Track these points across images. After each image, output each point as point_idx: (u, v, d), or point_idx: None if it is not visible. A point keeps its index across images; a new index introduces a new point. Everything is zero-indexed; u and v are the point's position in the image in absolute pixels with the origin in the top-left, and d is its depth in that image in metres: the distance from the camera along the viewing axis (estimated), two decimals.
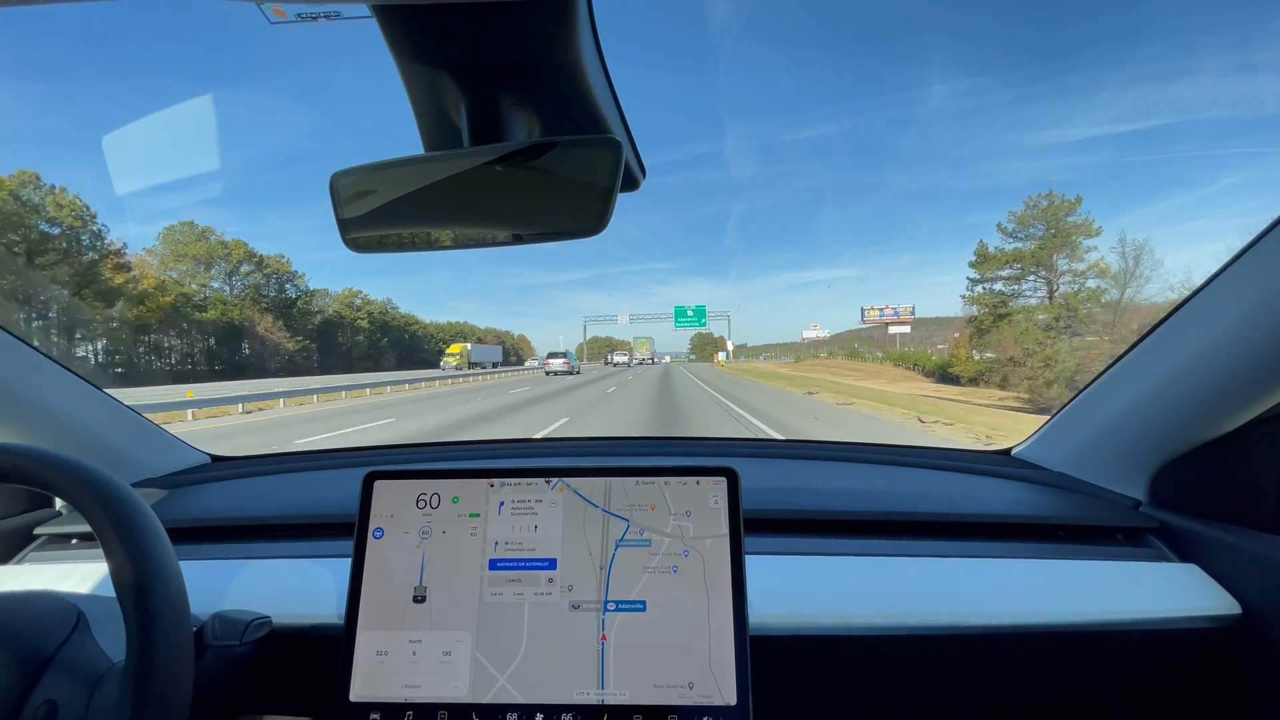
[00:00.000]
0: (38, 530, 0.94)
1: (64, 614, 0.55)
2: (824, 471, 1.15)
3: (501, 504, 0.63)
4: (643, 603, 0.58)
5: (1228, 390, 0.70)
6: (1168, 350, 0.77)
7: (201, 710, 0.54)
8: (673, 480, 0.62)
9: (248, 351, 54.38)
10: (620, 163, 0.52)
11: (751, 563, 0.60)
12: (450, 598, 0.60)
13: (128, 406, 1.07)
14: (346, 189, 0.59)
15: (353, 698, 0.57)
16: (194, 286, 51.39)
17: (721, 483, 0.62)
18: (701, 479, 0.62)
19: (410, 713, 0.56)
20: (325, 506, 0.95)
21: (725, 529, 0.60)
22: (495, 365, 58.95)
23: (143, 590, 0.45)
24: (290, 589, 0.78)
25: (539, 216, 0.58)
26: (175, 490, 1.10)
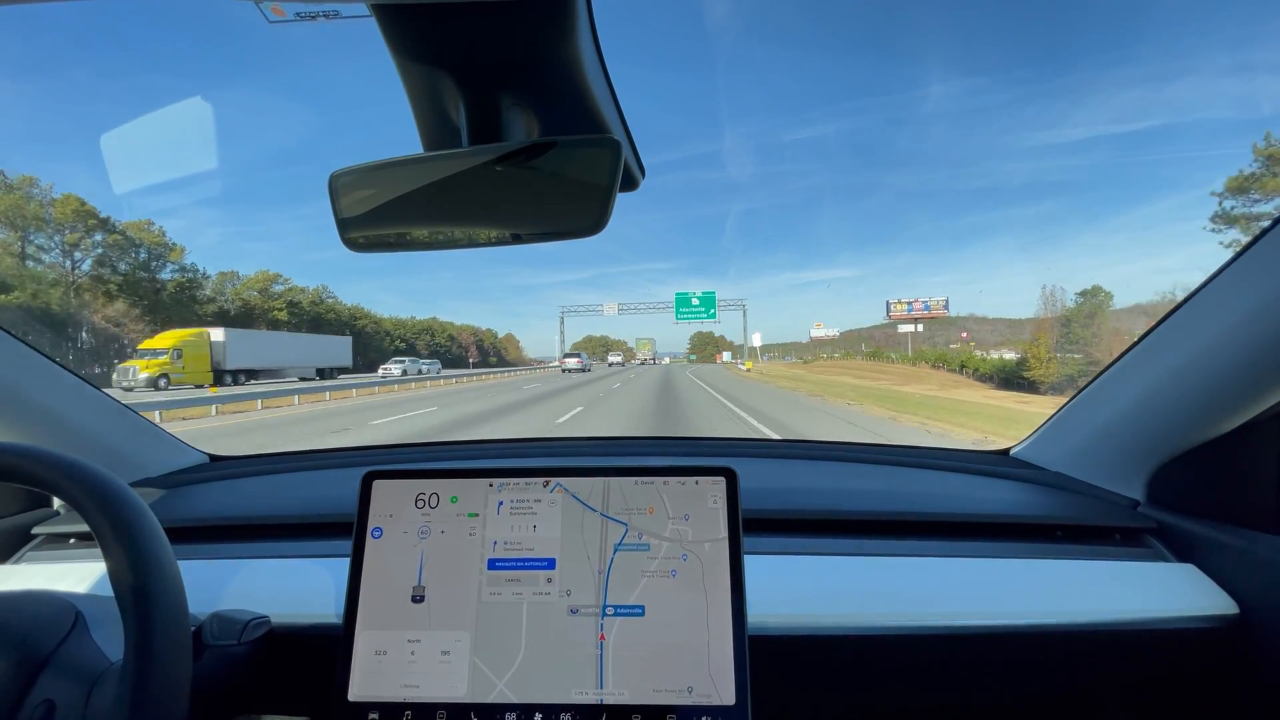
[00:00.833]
0: (35, 530, 0.94)
1: (62, 614, 0.55)
2: (822, 471, 1.16)
3: (500, 504, 0.63)
4: (641, 607, 0.58)
5: (1225, 391, 0.70)
6: (1166, 351, 0.77)
7: (200, 710, 0.54)
8: (671, 481, 0.62)
9: (84, 346, 37.09)
10: (619, 163, 0.52)
11: (750, 563, 0.60)
12: (449, 598, 0.60)
13: (126, 406, 1.07)
14: (345, 188, 0.59)
15: (351, 697, 0.57)
16: None
17: (720, 483, 0.62)
18: (700, 479, 0.62)
19: (409, 712, 0.56)
20: (324, 506, 0.95)
21: (723, 532, 0.60)
22: (431, 371, 35.80)
23: (141, 590, 0.45)
24: (289, 589, 0.78)
25: (538, 216, 0.58)
26: (173, 490, 1.10)
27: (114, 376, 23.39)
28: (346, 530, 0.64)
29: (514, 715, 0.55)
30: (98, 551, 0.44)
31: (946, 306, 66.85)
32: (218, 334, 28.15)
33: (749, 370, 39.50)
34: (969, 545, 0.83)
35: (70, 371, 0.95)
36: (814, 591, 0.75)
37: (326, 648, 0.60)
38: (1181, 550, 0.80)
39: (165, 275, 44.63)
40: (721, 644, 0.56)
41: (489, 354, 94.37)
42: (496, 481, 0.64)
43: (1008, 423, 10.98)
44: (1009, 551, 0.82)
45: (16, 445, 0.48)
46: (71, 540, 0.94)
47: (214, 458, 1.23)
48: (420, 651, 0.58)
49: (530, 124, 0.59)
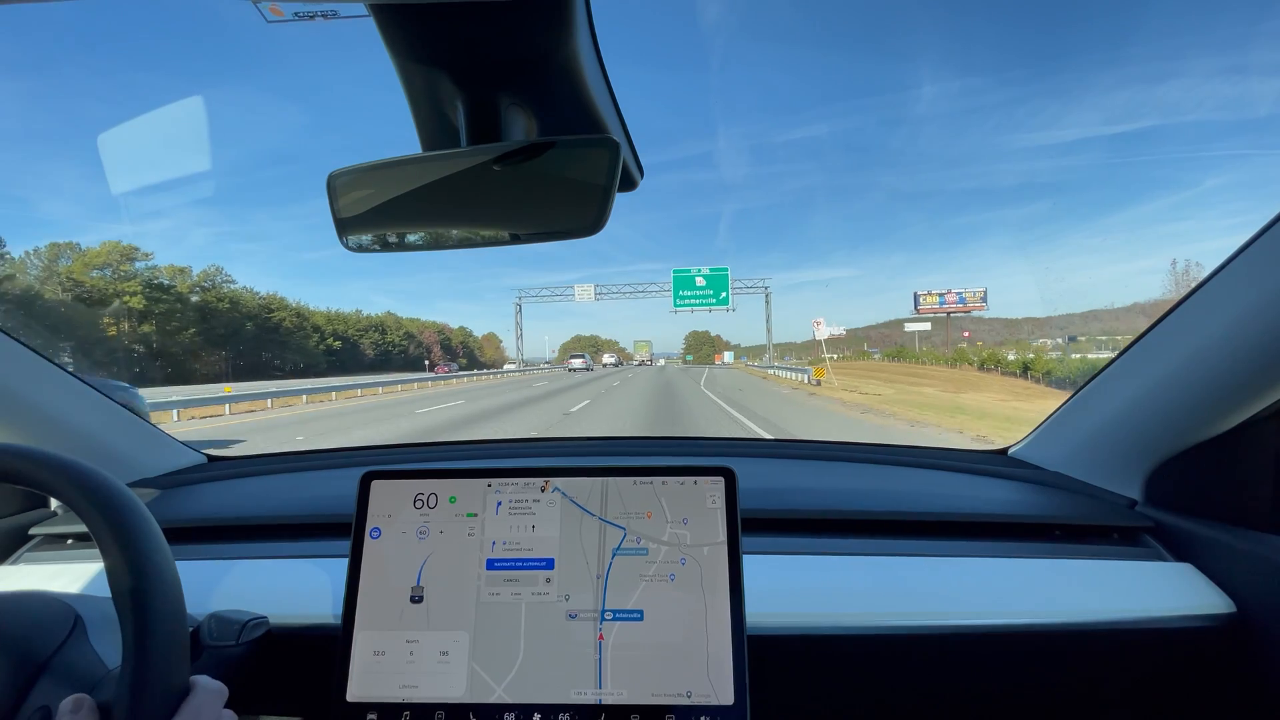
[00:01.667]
0: (33, 530, 0.94)
1: (61, 617, 0.55)
2: (821, 471, 1.16)
3: (499, 504, 0.63)
4: (640, 612, 0.58)
5: (1223, 390, 0.70)
6: (1164, 350, 0.77)
7: None
8: (670, 482, 0.62)
9: None
10: (618, 163, 0.52)
11: (748, 562, 0.60)
12: (448, 598, 0.59)
13: (124, 406, 1.07)
14: (344, 188, 0.59)
15: (350, 698, 0.57)
16: None
17: (719, 482, 0.62)
18: (699, 479, 0.62)
19: (407, 713, 0.56)
20: (322, 506, 0.95)
21: (722, 536, 0.60)
22: None
23: (139, 590, 0.44)
24: (287, 589, 0.78)
25: (537, 216, 0.58)
26: (172, 490, 1.09)
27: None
28: (345, 530, 0.64)
29: (512, 715, 0.55)
30: (95, 552, 0.45)
31: (985, 299, 54.15)
32: None
33: (818, 380, 19.99)
34: (967, 545, 0.83)
35: (67, 372, 0.95)
36: (812, 591, 0.75)
37: (325, 648, 0.60)
38: (1179, 549, 0.81)
39: None
40: (720, 645, 0.56)
41: (457, 355, 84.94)
42: (495, 482, 0.64)
43: None
44: (1007, 551, 0.82)
45: (13, 446, 0.48)
46: (69, 541, 0.94)
47: (212, 458, 1.23)
48: (419, 652, 0.58)
49: (529, 124, 0.59)
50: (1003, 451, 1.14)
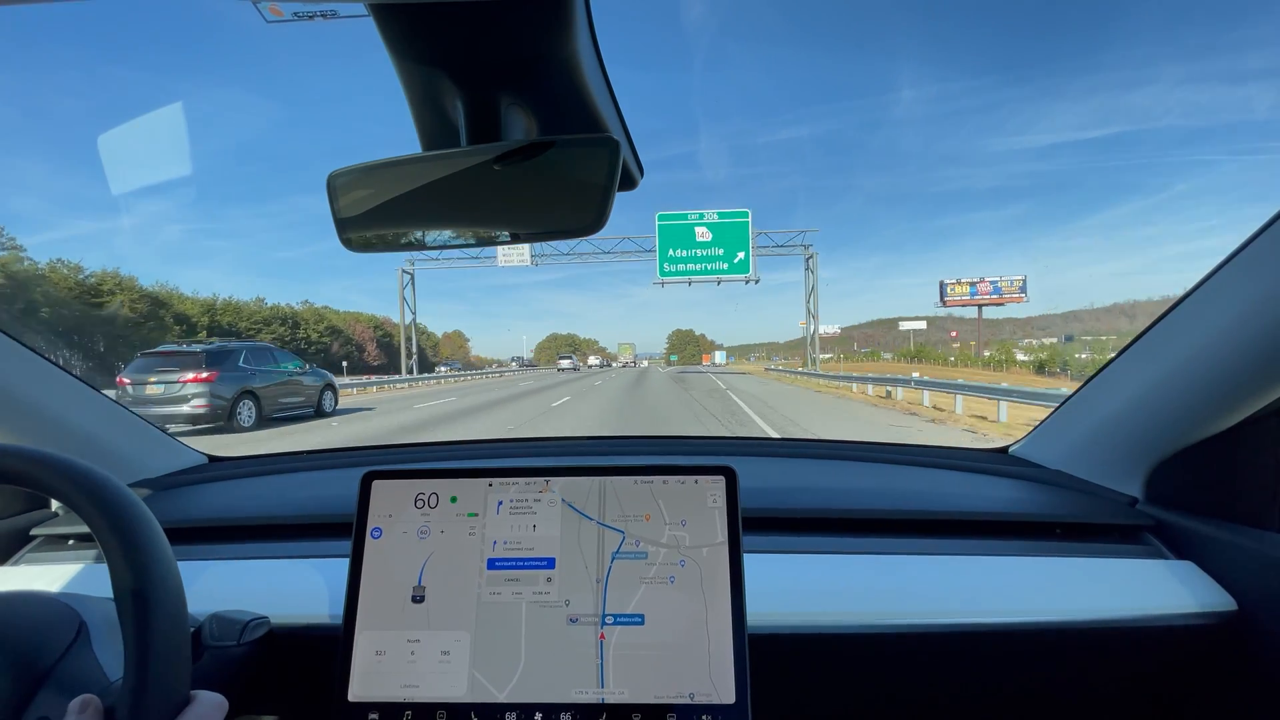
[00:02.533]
0: (34, 531, 0.94)
1: (65, 623, 0.55)
2: (821, 470, 1.16)
3: (500, 503, 0.63)
4: (641, 616, 0.58)
5: (1223, 388, 0.70)
6: (1164, 348, 0.77)
7: None
8: (671, 482, 0.62)
9: None
10: (618, 162, 0.52)
11: (749, 561, 0.60)
12: (449, 598, 0.59)
13: (125, 407, 1.07)
14: (344, 188, 0.59)
15: (351, 698, 0.57)
16: None
17: (720, 482, 0.62)
18: (700, 478, 0.62)
19: (409, 712, 0.56)
20: (323, 506, 0.95)
21: (721, 536, 0.60)
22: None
23: (140, 590, 0.44)
24: (288, 589, 0.78)
25: (537, 215, 0.58)
26: (173, 490, 1.10)
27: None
28: (346, 530, 0.64)
29: (514, 715, 0.55)
30: (97, 553, 0.45)
31: (1024, 289, 47.06)
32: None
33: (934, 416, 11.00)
34: (968, 543, 0.83)
35: (68, 372, 0.95)
36: (813, 590, 0.75)
37: (326, 648, 0.60)
38: (1180, 547, 0.81)
39: None
40: (721, 644, 0.56)
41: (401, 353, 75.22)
42: (496, 481, 0.64)
43: None
44: (1008, 549, 0.82)
45: (14, 447, 0.47)
46: (70, 541, 0.94)
47: (213, 458, 1.23)
48: (420, 652, 0.58)
49: (529, 123, 0.59)
50: (1004, 450, 1.14)
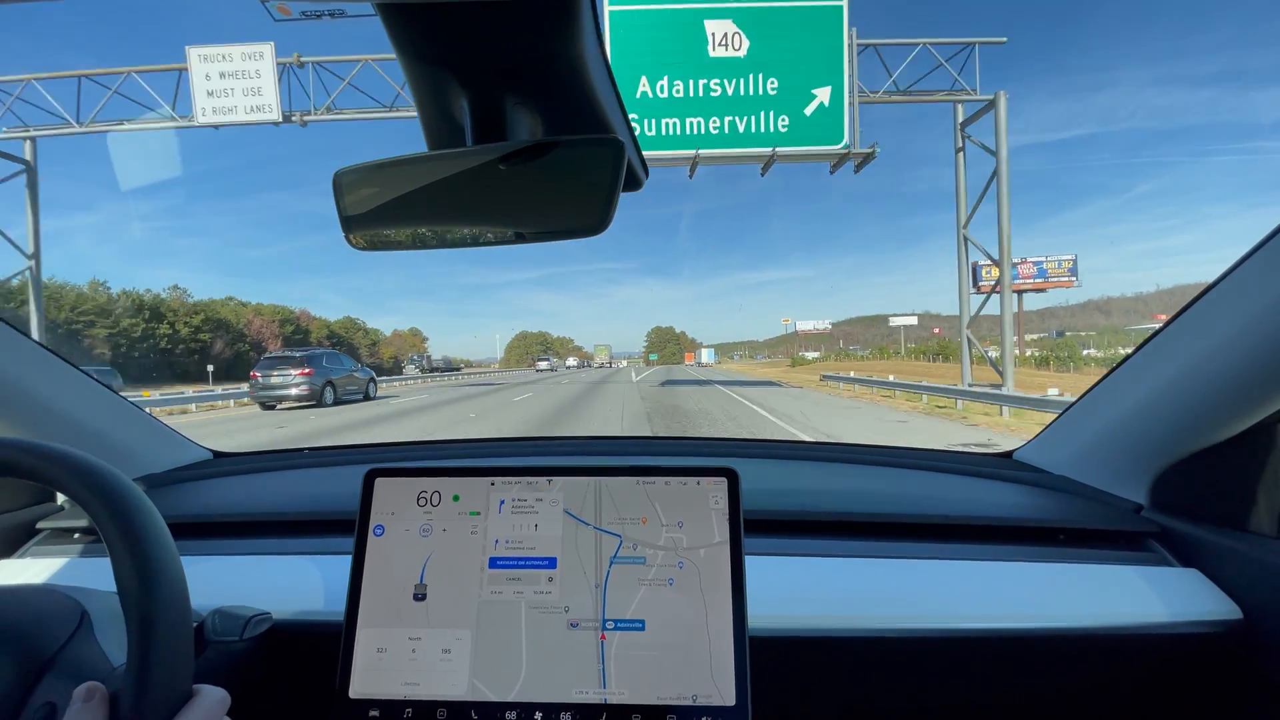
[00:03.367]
0: (40, 524, 0.94)
1: (67, 613, 0.55)
2: (824, 472, 1.15)
3: (502, 502, 0.63)
4: (641, 621, 0.58)
5: (1229, 395, 0.70)
6: (1170, 355, 0.77)
7: None
8: (673, 482, 0.62)
9: None
10: (622, 162, 0.53)
11: (751, 564, 0.60)
12: (450, 596, 0.60)
13: (131, 402, 1.07)
14: (349, 187, 0.59)
15: (352, 694, 0.57)
16: None
17: (722, 483, 0.62)
18: (702, 479, 0.62)
19: (409, 710, 0.56)
20: (326, 503, 0.95)
21: (718, 536, 0.60)
22: None
23: (143, 584, 0.45)
24: (291, 585, 0.78)
25: (541, 215, 0.58)
26: (177, 486, 1.10)
27: None
28: (349, 528, 0.64)
29: (514, 714, 0.55)
30: (101, 547, 0.44)
31: (1074, 271, 38.44)
32: None
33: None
34: (971, 548, 0.83)
35: (75, 367, 0.96)
36: (815, 593, 0.75)
37: (328, 645, 0.61)
38: (1185, 554, 0.80)
39: None
40: (722, 646, 0.56)
41: (356, 356, 57.00)
42: (498, 480, 0.64)
43: None
44: (1012, 555, 0.81)
45: (20, 440, 0.48)
46: (75, 535, 0.95)
47: (217, 454, 1.23)
48: (421, 649, 0.58)
49: (534, 123, 0.59)
50: (1008, 454, 1.14)
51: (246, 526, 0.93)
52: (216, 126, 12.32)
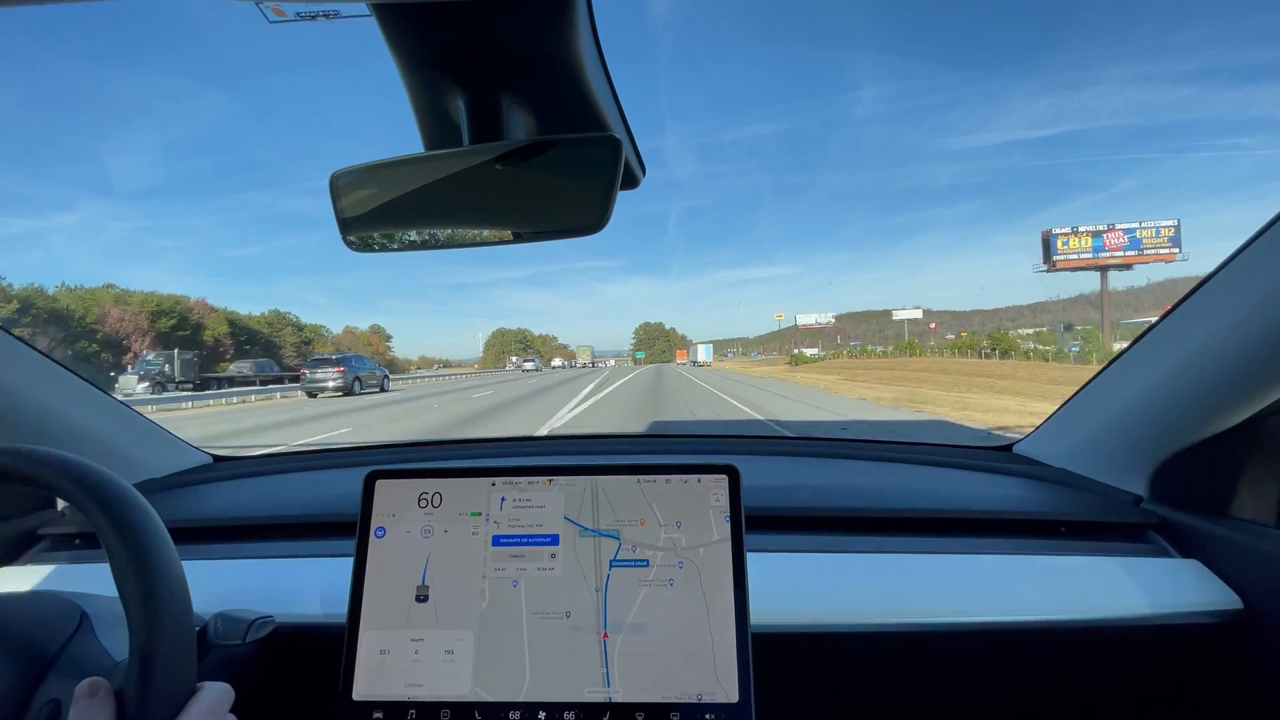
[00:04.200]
0: (41, 531, 0.94)
1: (67, 614, 0.55)
2: (824, 468, 1.15)
3: (503, 501, 0.63)
4: (643, 624, 0.58)
5: (1229, 385, 0.70)
6: (1169, 346, 0.77)
7: None
8: (674, 481, 0.62)
9: None
10: (620, 161, 0.52)
11: (752, 560, 0.60)
12: (452, 596, 0.60)
13: (130, 407, 1.07)
14: (346, 188, 0.59)
15: (355, 696, 0.57)
16: None
17: (722, 481, 0.62)
18: (703, 477, 0.62)
19: (413, 711, 0.56)
20: (327, 506, 0.95)
21: (716, 535, 0.60)
22: None
23: (145, 589, 0.44)
24: (293, 588, 0.78)
25: (539, 215, 0.58)
26: (177, 490, 1.10)
27: None
28: (350, 530, 0.64)
29: (518, 714, 0.55)
30: (103, 552, 0.44)
31: (1175, 240, 32.97)
32: None
33: None
34: (972, 541, 0.83)
35: (73, 372, 0.95)
36: (816, 589, 0.75)
37: (330, 647, 0.61)
38: (1185, 546, 0.80)
39: None
40: (724, 644, 0.56)
41: (220, 355, 49.24)
42: (499, 480, 0.64)
43: None
44: (1013, 548, 0.82)
45: (19, 446, 0.48)
46: (77, 541, 0.94)
47: (218, 458, 1.23)
48: (424, 650, 0.58)
49: (530, 123, 0.59)
50: (1007, 448, 1.14)
51: (247, 530, 0.93)
52: None
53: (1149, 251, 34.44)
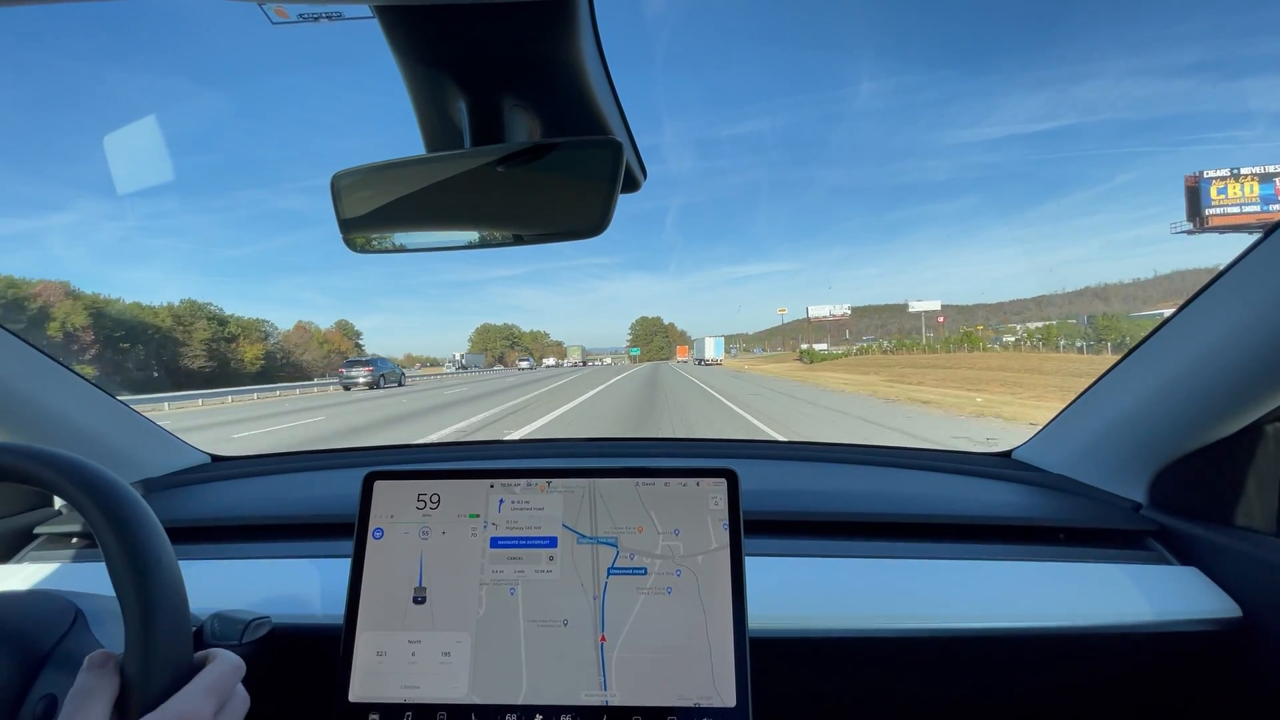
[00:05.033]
0: (37, 529, 0.94)
1: (61, 611, 0.55)
2: (823, 473, 1.15)
3: (501, 503, 0.63)
4: (641, 631, 0.58)
5: (1227, 393, 0.70)
6: (1168, 353, 0.77)
7: None
8: (672, 484, 0.62)
9: None
10: (621, 163, 0.52)
11: (750, 564, 0.60)
12: (450, 598, 0.59)
13: (128, 407, 1.07)
14: (348, 189, 0.59)
15: (352, 698, 0.57)
16: None
17: (721, 484, 0.62)
18: (701, 481, 0.62)
19: (410, 713, 0.56)
20: (325, 507, 0.95)
21: (715, 543, 0.60)
22: None
23: (141, 589, 0.44)
24: (290, 589, 0.78)
25: (540, 217, 0.58)
26: (175, 490, 1.10)
27: None
28: (348, 531, 0.64)
29: (515, 716, 0.55)
30: (99, 551, 0.45)
31: None
32: None
33: None
34: (971, 547, 0.83)
35: (72, 371, 0.95)
36: (814, 593, 0.75)
37: (327, 648, 0.60)
38: (1184, 553, 0.80)
39: None
40: (723, 648, 0.56)
41: (78, 353, 39.59)
42: (497, 483, 0.64)
43: None
44: (1011, 554, 0.81)
45: (16, 444, 0.47)
46: (74, 540, 0.94)
47: (216, 458, 1.23)
48: (421, 652, 0.58)
49: (532, 125, 0.59)
50: (1006, 454, 1.14)
51: (245, 530, 0.93)
52: None
53: None
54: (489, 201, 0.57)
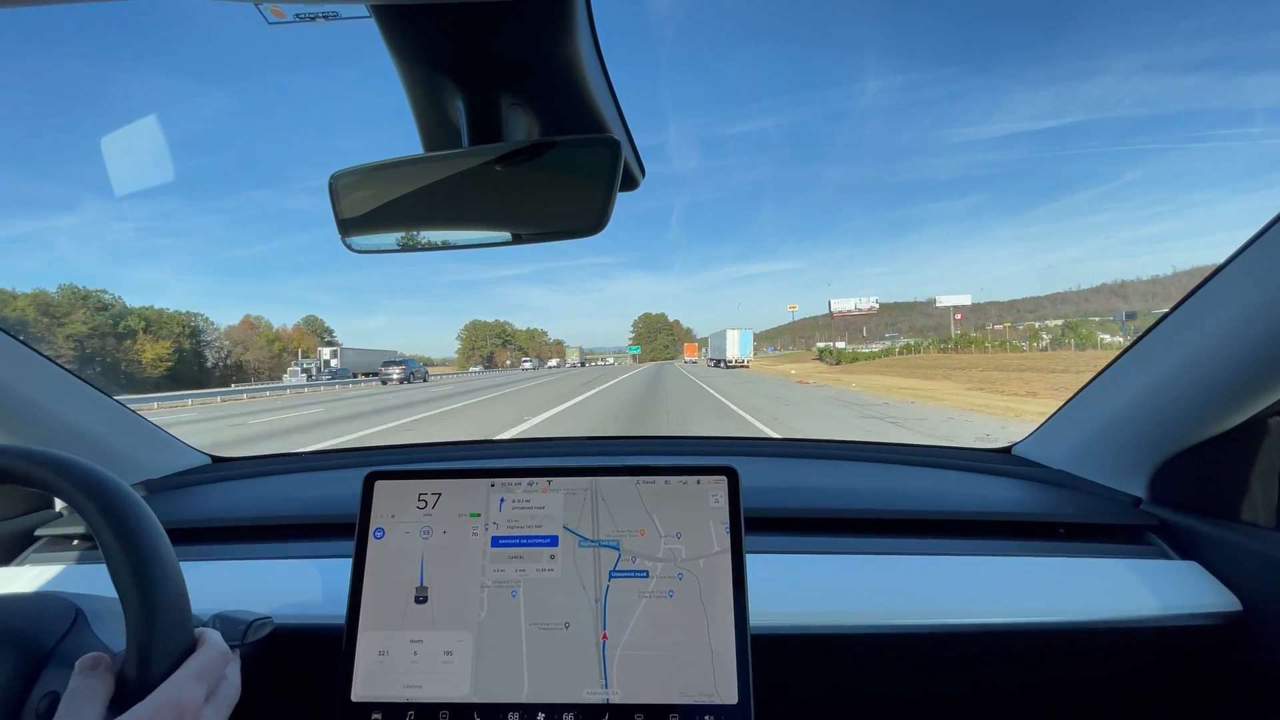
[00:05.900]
0: (38, 532, 0.94)
1: (62, 611, 0.55)
2: (823, 470, 1.15)
3: (502, 502, 0.63)
4: (642, 633, 0.58)
5: (1228, 387, 0.70)
6: (1168, 347, 0.77)
7: None
8: (674, 483, 0.62)
9: None
10: (619, 162, 0.52)
11: (751, 561, 0.60)
12: (451, 597, 0.60)
13: (128, 408, 1.07)
14: (346, 189, 0.59)
15: (354, 698, 0.57)
16: None
17: (722, 482, 0.62)
18: (702, 479, 0.62)
19: (412, 712, 0.56)
20: (326, 507, 0.95)
21: (717, 546, 0.60)
22: None
23: (142, 589, 0.44)
24: (292, 589, 0.78)
25: (538, 216, 0.58)
26: (176, 491, 1.10)
27: None
28: (349, 531, 0.64)
29: (517, 715, 0.55)
30: (100, 553, 0.45)
31: None
32: None
33: None
34: (972, 543, 0.83)
35: (71, 373, 0.95)
36: (815, 590, 0.75)
37: (329, 648, 0.60)
38: (1184, 547, 0.80)
39: None
40: (724, 649, 0.56)
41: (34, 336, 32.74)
42: (498, 482, 0.64)
43: None
44: (1011, 550, 0.82)
45: (16, 446, 0.48)
46: (74, 542, 0.94)
47: (216, 459, 1.23)
48: (423, 652, 0.58)
49: (530, 124, 0.59)
50: (1006, 450, 1.14)
51: (246, 531, 0.93)
52: None
53: None
54: (487, 200, 0.57)
